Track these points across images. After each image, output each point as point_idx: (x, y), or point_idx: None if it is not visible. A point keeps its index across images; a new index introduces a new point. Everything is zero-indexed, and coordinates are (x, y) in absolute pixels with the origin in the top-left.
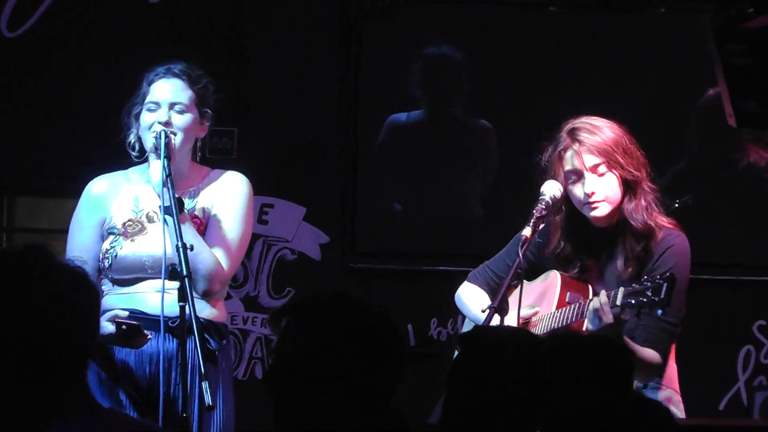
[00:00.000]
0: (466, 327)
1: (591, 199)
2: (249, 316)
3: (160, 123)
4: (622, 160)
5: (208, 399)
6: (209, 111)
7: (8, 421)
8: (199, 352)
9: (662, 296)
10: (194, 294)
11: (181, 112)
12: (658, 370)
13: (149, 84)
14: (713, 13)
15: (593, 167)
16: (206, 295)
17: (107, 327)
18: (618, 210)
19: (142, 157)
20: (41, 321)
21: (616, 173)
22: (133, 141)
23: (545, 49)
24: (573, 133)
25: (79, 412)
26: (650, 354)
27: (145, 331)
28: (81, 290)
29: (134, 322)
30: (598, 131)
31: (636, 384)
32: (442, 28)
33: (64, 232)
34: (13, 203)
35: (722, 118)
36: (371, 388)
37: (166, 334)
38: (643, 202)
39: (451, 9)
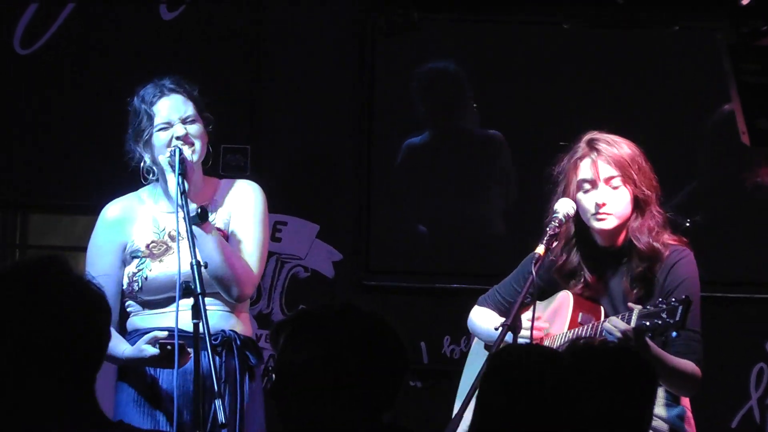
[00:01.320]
0: (477, 345)
1: (600, 210)
2: (262, 334)
3: (178, 138)
4: (636, 177)
5: (221, 417)
6: (209, 115)
7: (14, 430)
8: (213, 368)
9: (677, 319)
10: (227, 309)
11: (192, 123)
12: (698, 380)
13: (150, 105)
14: (727, 31)
15: (608, 179)
16: (240, 300)
17: (147, 350)
18: (624, 227)
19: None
20: (51, 331)
21: (629, 189)
22: (149, 165)
23: (560, 66)
24: (592, 143)
25: (89, 425)
26: (687, 364)
27: (188, 349)
28: (91, 302)
29: (180, 341)
30: (617, 145)
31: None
32: (457, 46)
33: (77, 249)
34: (26, 220)
35: (734, 137)
36: (377, 396)
37: (203, 352)
38: (650, 223)
39: (465, 27)
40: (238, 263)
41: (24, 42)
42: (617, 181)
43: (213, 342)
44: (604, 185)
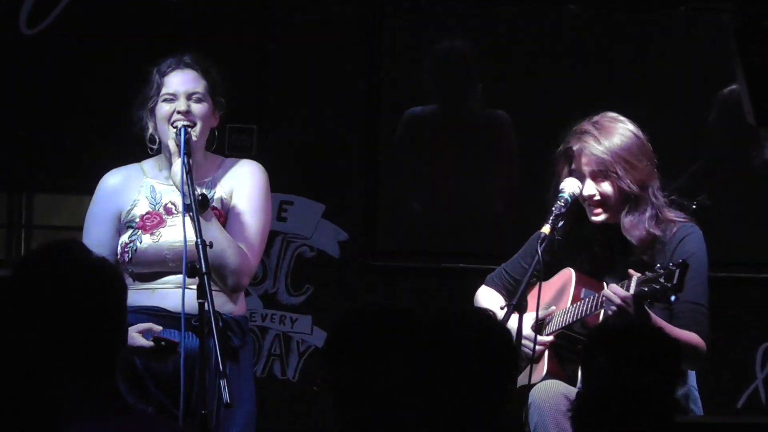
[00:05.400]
0: None
1: (591, 201)
2: (268, 313)
3: (179, 112)
4: (620, 172)
5: (226, 397)
6: (222, 100)
7: (39, 418)
8: (218, 349)
9: (675, 282)
10: (219, 288)
11: (198, 102)
12: (704, 353)
13: (162, 76)
14: (734, 12)
15: (592, 173)
16: (235, 290)
17: (137, 339)
18: (616, 215)
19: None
20: (71, 317)
21: (613, 182)
22: (151, 133)
23: (565, 47)
24: (581, 136)
25: (109, 412)
26: (691, 336)
27: (178, 349)
28: (109, 284)
29: (172, 339)
30: (604, 138)
31: None
32: (464, 26)
33: (83, 229)
34: (32, 200)
35: (740, 117)
36: None
37: (188, 332)
38: (648, 213)
39: (472, 7)
40: (237, 253)
41: (29, 22)
42: (600, 176)
43: (194, 324)
44: (589, 180)
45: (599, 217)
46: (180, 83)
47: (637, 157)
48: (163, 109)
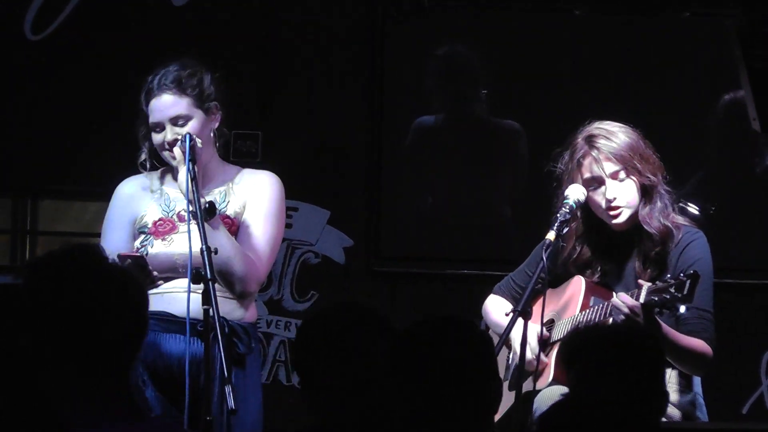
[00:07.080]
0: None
1: (612, 205)
2: (273, 320)
3: (167, 142)
4: (639, 166)
5: (231, 403)
6: (214, 104)
7: (41, 420)
8: (222, 355)
9: (685, 293)
10: (229, 295)
11: (184, 124)
12: (710, 359)
13: (147, 104)
14: (738, 17)
15: (613, 174)
16: (243, 297)
17: None
18: (635, 214)
19: (157, 168)
20: (89, 321)
21: (635, 179)
22: (144, 159)
23: (569, 53)
24: (590, 141)
25: (125, 417)
26: (698, 343)
27: (149, 268)
28: (129, 290)
29: (137, 254)
30: (614, 137)
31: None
32: (467, 32)
33: (88, 234)
34: (37, 206)
35: (742, 123)
36: None
37: (193, 338)
38: (659, 205)
39: (475, 12)
40: (244, 260)
41: (35, 28)
42: (622, 174)
43: (199, 329)
44: (610, 180)
45: (620, 219)
46: (160, 111)
47: (646, 150)
48: (155, 139)
